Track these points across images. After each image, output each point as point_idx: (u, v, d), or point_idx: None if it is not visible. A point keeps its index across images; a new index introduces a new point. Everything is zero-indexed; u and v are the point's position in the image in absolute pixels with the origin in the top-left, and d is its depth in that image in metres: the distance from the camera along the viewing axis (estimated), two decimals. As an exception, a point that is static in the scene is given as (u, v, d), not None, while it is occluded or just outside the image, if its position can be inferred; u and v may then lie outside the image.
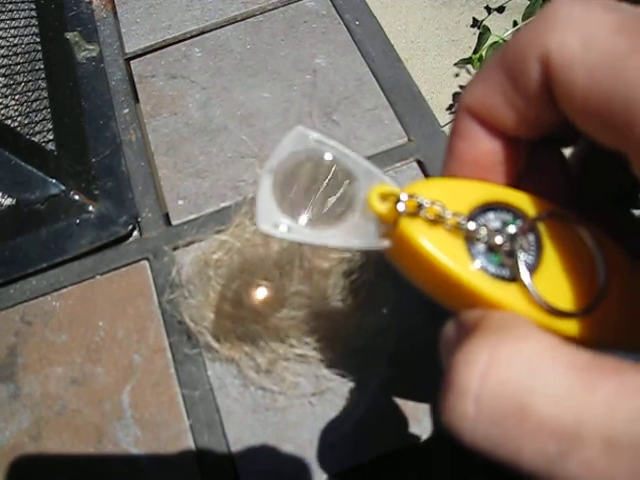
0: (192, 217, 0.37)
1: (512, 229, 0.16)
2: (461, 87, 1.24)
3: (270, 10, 0.45)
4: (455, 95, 1.23)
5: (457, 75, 1.27)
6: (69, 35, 0.45)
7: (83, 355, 0.33)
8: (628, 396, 0.11)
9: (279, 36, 0.43)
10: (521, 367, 0.12)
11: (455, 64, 1.25)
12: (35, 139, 0.39)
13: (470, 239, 0.16)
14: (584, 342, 0.15)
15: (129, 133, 0.41)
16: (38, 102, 0.41)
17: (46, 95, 0.41)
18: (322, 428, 0.30)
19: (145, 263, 0.36)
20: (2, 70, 0.41)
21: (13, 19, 0.44)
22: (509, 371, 0.12)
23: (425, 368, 0.30)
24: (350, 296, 0.31)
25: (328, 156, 0.18)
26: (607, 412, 0.11)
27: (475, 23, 1.31)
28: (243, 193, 0.37)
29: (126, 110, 0.42)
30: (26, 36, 0.44)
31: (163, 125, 0.40)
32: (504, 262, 0.16)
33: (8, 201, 0.37)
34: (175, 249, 0.36)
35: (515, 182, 0.18)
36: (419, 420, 0.30)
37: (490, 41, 1.13)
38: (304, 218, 0.18)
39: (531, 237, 0.16)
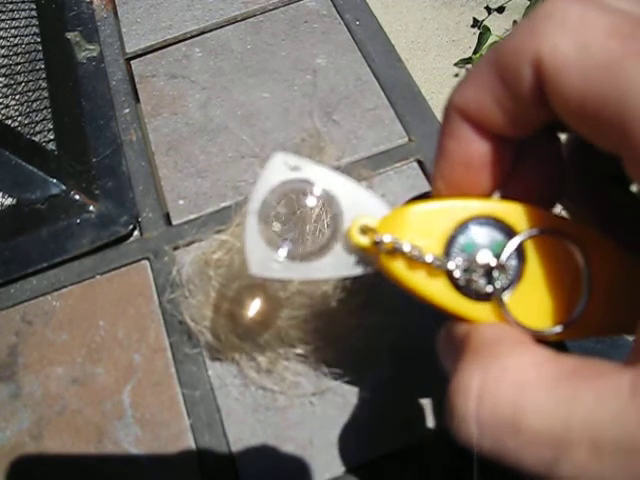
0: (192, 217, 0.37)
1: (493, 262, 0.16)
2: (461, 87, 1.24)
3: (271, 10, 0.45)
4: (455, 95, 1.23)
5: (457, 75, 1.27)
6: (69, 35, 0.45)
7: (84, 355, 0.33)
8: (610, 399, 0.12)
9: (280, 36, 0.43)
10: (509, 388, 0.14)
11: (455, 64, 1.25)
12: (36, 139, 0.39)
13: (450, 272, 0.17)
14: (571, 339, 0.16)
15: (129, 133, 0.41)
16: (38, 102, 0.41)
17: (47, 95, 0.41)
18: (322, 428, 0.30)
19: (145, 263, 0.36)
20: (2, 70, 0.41)
21: (13, 19, 0.44)
22: (499, 393, 0.14)
23: (425, 368, 0.30)
24: (351, 296, 0.31)
25: (309, 186, 0.19)
26: (591, 416, 0.12)
27: (475, 23, 1.32)
28: (243, 193, 0.37)
29: (127, 110, 0.42)
30: (26, 36, 0.44)
31: (163, 125, 0.41)
32: (483, 289, 0.17)
33: (9, 201, 0.37)
34: (175, 249, 0.36)
35: (506, 178, 0.18)
36: (419, 420, 0.30)
37: (490, 41, 1.13)
38: (292, 252, 0.18)
39: (512, 262, 0.17)
